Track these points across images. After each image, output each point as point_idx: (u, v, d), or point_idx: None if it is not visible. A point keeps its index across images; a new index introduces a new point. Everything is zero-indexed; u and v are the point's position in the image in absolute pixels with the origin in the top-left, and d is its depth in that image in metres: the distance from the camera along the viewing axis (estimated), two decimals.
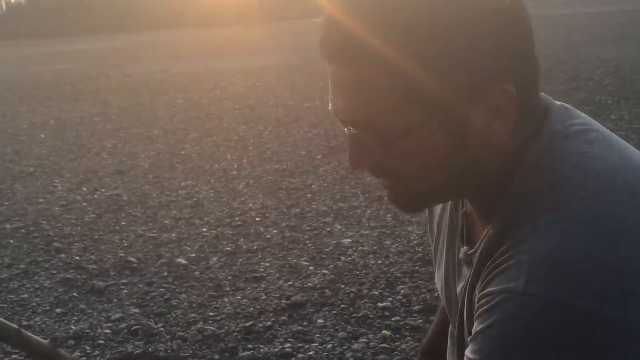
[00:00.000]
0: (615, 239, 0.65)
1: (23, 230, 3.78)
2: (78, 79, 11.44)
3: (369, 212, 3.74)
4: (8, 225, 3.89)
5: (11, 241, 3.61)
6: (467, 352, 0.72)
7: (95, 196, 4.49)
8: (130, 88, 10.21)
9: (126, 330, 2.43)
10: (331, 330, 2.32)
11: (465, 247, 0.87)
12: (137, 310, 2.62)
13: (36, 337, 1.50)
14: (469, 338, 0.74)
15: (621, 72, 7.88)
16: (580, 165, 0.71)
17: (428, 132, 0.69)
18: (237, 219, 3.77)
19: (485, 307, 0.69)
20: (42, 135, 6.88)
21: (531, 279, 0.64)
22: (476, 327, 0.71)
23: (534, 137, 0.74)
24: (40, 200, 4.45)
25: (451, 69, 0.67)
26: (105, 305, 2.71)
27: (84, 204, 4.31)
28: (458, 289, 0.89)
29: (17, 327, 1.44)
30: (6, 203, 4.42)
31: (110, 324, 2.51)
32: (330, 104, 0.75)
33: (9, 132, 7.16)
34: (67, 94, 10.02)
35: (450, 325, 1.03)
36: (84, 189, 4.71)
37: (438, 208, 1.03)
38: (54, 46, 20.88)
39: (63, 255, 3.33)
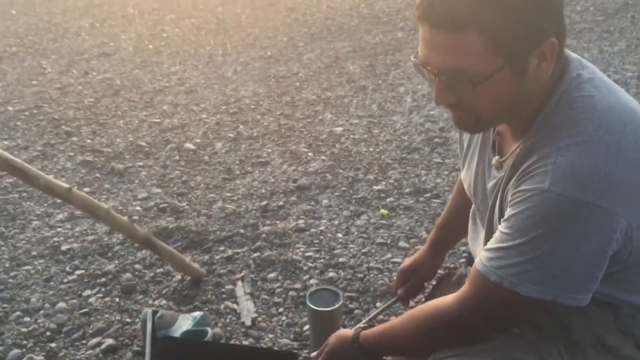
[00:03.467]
0: (612, 157, 0.99)
1: (27, 113, 3.96)
2: None
3: (355, 101, 4.04)
4: (10, 108, 4.05)
5: (18, 123, 3.81)
6: (501, 228, 1.09)
7: (88, 80, 4.63)
8: None
9: (155, 208, 2.77)
10: (336, 209, 2.71)
11: (497, 157, 1.22)
12: (159, 190, 2.95)
13: (119, 215, 1.83)
14: (502, 219, 1.09)
15: None
16: (589, 105, 1.04)
17: (503, 74, 1.00)
18: (233, 106, 4.03)
19: (518, 199, 1.04)
20: (14, 12, 6.76)
21: (554, 181, 0.99)
22: (509, 212, 1.07)
23: (558, 81, 1.07)
24: (34, 82, 4.57)
25: (524, 26, 0.97)
26: (129, 185, 3.02)
27: (79, 87, 4.46)
28: (489, 185, 1.25)
29: (106, 208, 1.76)
30: (0, 85, 4.53)
31: (139, 202, 2.84)
32: (420, 57, 1.05)
33: None
34: None
35: (473, 207, 1.41)
36: (74, 71, 4.82)
37: None
38: None
39: (75, 139, 3.57)
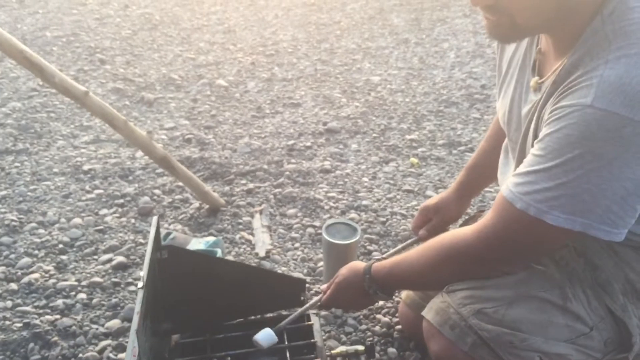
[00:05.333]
0: None
1: (64, 40, 3.94)
2: None
3: (396, 53, 3.91)
4: (48, 34, 4.04)
5: (54, 48, 3.79)
6: (533, 151, 0.98)
7: (127, 13, 4.58)
8: None
9: (181, 138, 2.72)
10: (364, 154, 2.62)
11: (536, 77, 1.11)
12: (187, 122, 2.89)
13: (137, 129, 1.77)
14: (536, 141, 0.99)
15: None
16: None
17: None
18: (270, 48, 3.94)
19: (556, 116, 0.94)
20: None
21: (598, 96, 0.88)
22: (545, 132, 0.96)
23: None
24: (73, 11, 4.55)
25: None
26: (157, 115, 2.98)
27: (118, 19, 4.42)
28: (524, 111, 1.14)
29: (124, 119, 1.70)
30: (40, 12, 4.52)
31: (165, 131, 2.79)
32: None
33: None
34: None
35: (506, 140, 1.30)
36: (115, 4, 4.78)
37: (510, 47, 1.25)
38: None
39: (108, 67, 3.53)
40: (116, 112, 1.68)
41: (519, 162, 1.15)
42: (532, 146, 1.01)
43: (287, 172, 2.42)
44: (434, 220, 1.62)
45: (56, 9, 4.58)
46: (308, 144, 2.69)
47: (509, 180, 1.01)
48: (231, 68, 3.58)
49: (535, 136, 1.04)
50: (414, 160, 2.55)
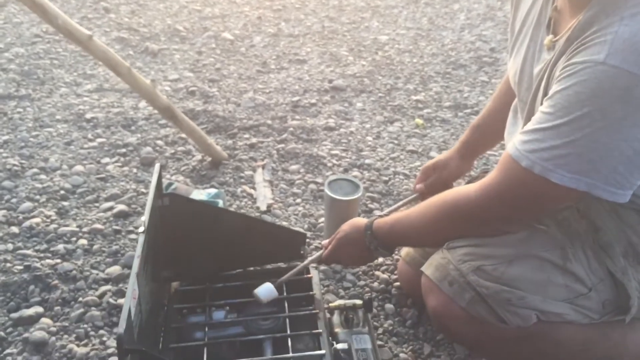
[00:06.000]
0: None
1: None
2: None
3: (405, 12, 3.84)
4: None
5: None
6: (542, 108, 0.97)
7: None
8: None
9: (185, 90, 2.69)
10: (369, 113, 2.59)
11: (550, 36, 1.08)
12: (191, 74, 2.86)
13: (142, 77, 1.75)
14: (545, 98, 0.97)
15: None
16: None
17: None
18: (277, 3, 3.88)
19: (568, 73, 0.92)
20: None
21: (611, 52, 0.86)
22: (555, 89, 0.94)
23: None
24: None
25: None
26: (161, 66, 2.94)
27: None
28: (536, 70, 1.12)
29: (128, 65, 1.68)
30: None
31: (169, 82, 2.76)
32: None
33: None
34: None
35: (515, 100, 1.28)
36: None
37: (525, 6, 1.22)
38: None
39: (112, 16, 3.48)
40: (120, 58, 1.66)
41: (527, 121, 1.13)
42: (542, 104, 1.00)
43: (291, 128, 2.40)
44: (432, 176, 1.61)
45: None
46: (313, 100, 2.66)
47: (515, 138, 1.00)
48: (237, 21, 3.53)
49: (546, 95, 1.02)
50: (419, 121, 2.53)
